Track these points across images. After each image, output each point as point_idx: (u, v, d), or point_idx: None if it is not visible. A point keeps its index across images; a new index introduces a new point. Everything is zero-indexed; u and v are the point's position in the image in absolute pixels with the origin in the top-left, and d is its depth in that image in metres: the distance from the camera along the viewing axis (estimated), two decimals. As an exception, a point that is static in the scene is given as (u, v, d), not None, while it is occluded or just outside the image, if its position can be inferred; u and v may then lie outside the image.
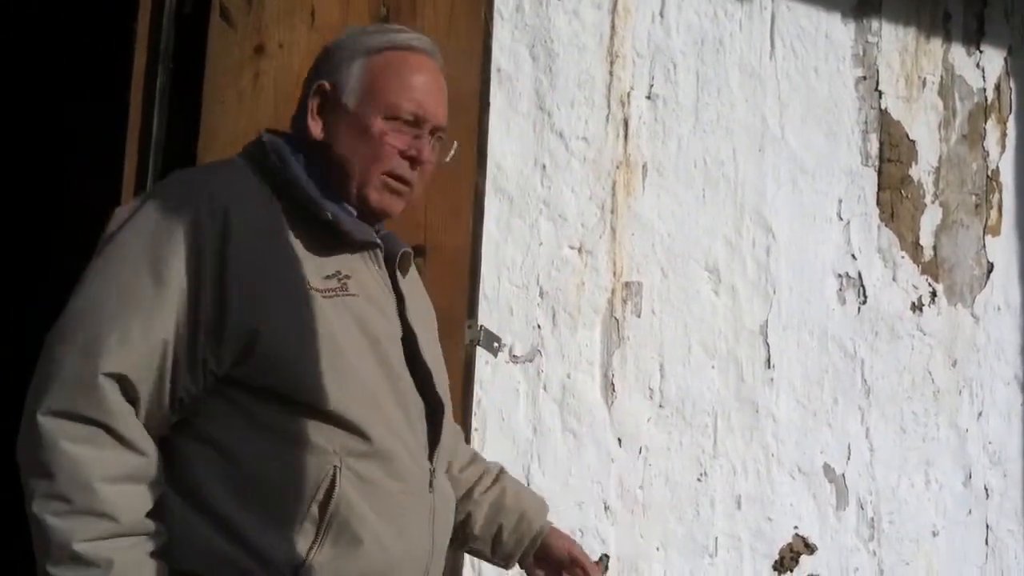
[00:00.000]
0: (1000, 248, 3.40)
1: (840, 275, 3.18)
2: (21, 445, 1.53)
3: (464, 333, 2.62)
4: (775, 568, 3.00)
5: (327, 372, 1.62)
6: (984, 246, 3.37)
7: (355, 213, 1.73)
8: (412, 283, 1.88)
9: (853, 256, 3.20)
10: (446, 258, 2.57)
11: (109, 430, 1.52)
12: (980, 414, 3.34)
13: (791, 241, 3.12)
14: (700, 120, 3.05)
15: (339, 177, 1.73)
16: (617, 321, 2.92)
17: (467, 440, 2.65)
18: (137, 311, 1.56)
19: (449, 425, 1.84)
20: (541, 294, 2.88)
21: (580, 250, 2.91)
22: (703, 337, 3.00)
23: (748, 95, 3.11)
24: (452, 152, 1.88)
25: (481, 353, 2.73)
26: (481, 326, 2.72)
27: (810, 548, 3.05)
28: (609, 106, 2.97)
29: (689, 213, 3.02)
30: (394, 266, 1.79)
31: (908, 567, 3.17)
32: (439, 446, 1.78)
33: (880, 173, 3.24)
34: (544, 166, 2.89)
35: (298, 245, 1.66)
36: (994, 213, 3.39)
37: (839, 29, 3.21)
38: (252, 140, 1.78)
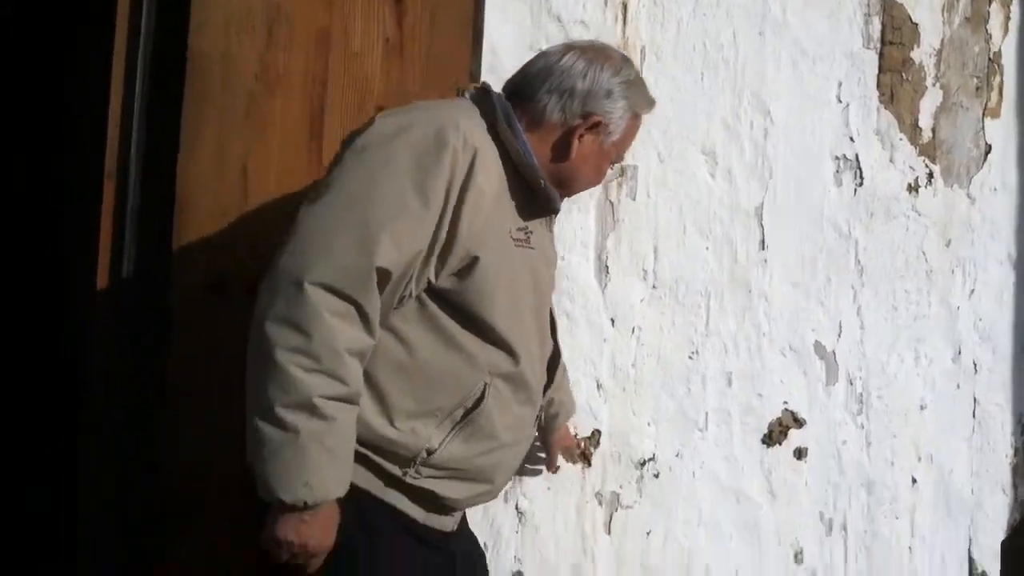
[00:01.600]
0: (999, 130, 3.41)
1: (838, 157, 3.19)
2: (277, 302, 1.78)
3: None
4: (764, 442, 3.09)
5: (506, 304, 1.97)
6: (983, 128, 3.38)
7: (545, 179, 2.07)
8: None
9: (851, 139, 3.20)
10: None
11: (363, 313, 1.82)
12: (972, 292, 3.39)
13: (789, 124, 3.12)
14: (700, 3, 3.02)
15: (561, 181, 2.12)
16: (612, 204, 2.96)
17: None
18: (407, 220, 1.85)
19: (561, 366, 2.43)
20: (538, 178, 2.91)
21: (577, 134, 2.94)
22: (698, 219, 3.03)
23: (749, -23, 3.08)
24: (616, 176, 2.47)
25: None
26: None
27: (799, 422, 3.13)
28: (608, -11, 2.95)
29: (687, 97, 3.02)
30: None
31: (895, 439, 3.26)
32: (551, 386, 2.29)
33: (881, 56, 3.23)
34: (540, 50, 2.90)
35: (509, 195, 2.00)
36: (994, 95, 3.39)
37: (844, -92, 3.16)
38: (478, 89, 2.10)
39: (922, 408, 3.32)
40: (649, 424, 2.96)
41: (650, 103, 2.19)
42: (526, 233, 2.03)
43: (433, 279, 1.91)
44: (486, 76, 2.73)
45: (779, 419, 3.11)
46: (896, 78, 3.24)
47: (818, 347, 3.17)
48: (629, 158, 2.95)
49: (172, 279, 2.35)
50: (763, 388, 3.10)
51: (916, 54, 3.26)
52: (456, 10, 2.53)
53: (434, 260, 1.91)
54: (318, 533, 1.82)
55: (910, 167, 3.28)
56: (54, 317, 3.78)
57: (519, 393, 2.05)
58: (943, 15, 3.29)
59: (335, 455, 1.79)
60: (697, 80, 3.04)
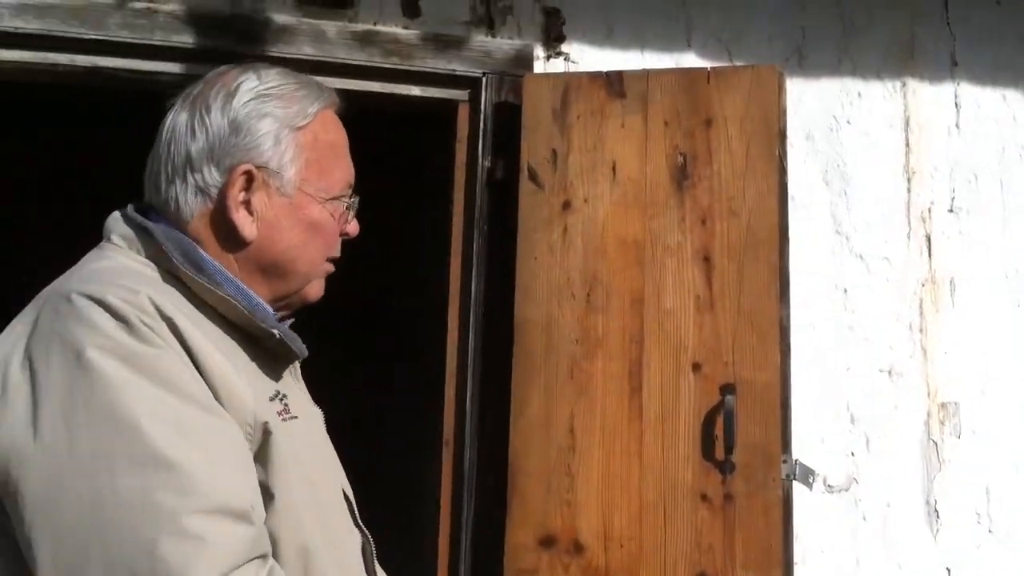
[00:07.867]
0: None
1: None
2: None
3: (780, 468, 2.59)
4: None
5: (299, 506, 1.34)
6: None
7: (272, 312, 1.43)
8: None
9: None
10: (756, 394, 2.55)
11: None
12: None
13: (1120, 348, 2.91)
14: (1007, 229, 2.93)
15: (277, 276, 1.44)
16: (935, 444, 2.81)
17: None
18: None
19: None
20: (852, 421, 2.81)
21: (890, 373, 2.83)
22: (1030, 457, 2.83)
23: (1058, 199, 2.96)
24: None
25: (796, 486, 2.69)
26: (796, 460, 2.67)
27: None
28: (910, 223, 2.90)
29: (1003, 327, 2.88)
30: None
31: None
32: None
33: None
34: (846, 290, 2.85)
35: (244, 360, 1.35)
36: None
37: None
38: (127, 226, 1.38)
39: None
40: None
41: (319, 96, 1.47)
42: (282, 400, 1.37)
43: None
44: (795, 322, 2.69)
45: None
46: None
47: None
48: (949, 394, 2.81)
49: (506, 536, 2.42)
50: (1126, 643, 2.78)
51: None
52: (763, 263, 2.54)
53: None
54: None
55: None
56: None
57: None
58: None
59: None
60: (1013, 308, 2.89)
